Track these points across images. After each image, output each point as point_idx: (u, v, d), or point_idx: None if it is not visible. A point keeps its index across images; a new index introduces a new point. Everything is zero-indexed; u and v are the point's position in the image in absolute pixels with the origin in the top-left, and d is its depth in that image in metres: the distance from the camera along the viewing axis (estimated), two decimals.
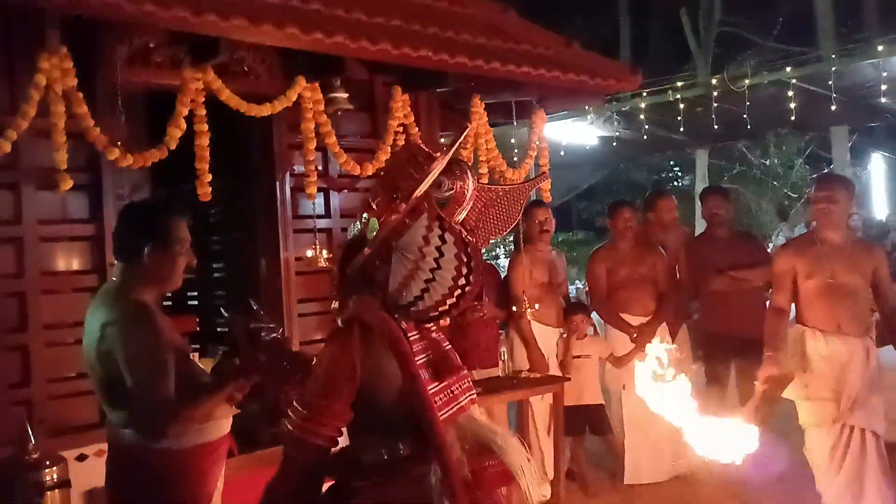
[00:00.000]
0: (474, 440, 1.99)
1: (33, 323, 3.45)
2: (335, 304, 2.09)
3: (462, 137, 2.10)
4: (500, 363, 4.92)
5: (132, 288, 2.33)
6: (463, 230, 1.99)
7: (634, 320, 4.88)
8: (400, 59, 3.95)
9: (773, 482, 4.06)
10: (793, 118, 9.63)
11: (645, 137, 10.92)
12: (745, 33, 16.30)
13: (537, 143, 5.08)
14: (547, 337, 4.89)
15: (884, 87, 8.92)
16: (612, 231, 5.13)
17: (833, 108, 9.16)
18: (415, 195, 1.94)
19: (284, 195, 4.34)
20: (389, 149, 4.33)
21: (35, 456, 2.85)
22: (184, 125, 3.56)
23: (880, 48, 8.84)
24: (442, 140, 5.17)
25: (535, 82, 4.66)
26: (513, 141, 7.39)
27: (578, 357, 4.85)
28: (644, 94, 10.15)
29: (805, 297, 3.73)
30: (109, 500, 2.43)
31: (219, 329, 5.30)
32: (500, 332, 5.09)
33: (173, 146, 3.54)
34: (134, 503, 2.34)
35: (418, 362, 1.94)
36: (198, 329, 4.45)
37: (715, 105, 9.72)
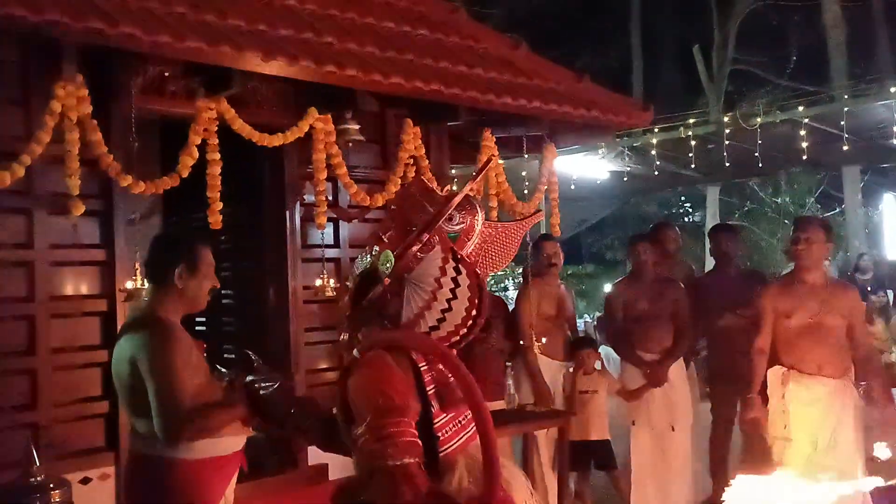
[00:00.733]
0: (482, 470, 1.98)
1: (42, 346, 3.47)
2: (344, 336, 2.11)
3: (483, 171, 2.16)
4: (506, 396, 4.89)
5: (161, 307, 2.58)
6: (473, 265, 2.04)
7: (648, 357, 4.82)
8: (412, 93, 4.00)
9: None
10: (805, 157, 9.63)
11: (656, 173, 10.94)
12: (758, 71, 16.39)
13: (547, 177, 5.11)
14: (553, 371, 4.87)
15: None
16: (631, 265, 5.10)
17: (845, 147, 9.16)
18: (432, 229, 1.98)
19: (294, 224, 4.37)
20: (399, 180, 4.36)
21: (39, 479, 2.85)
22: (196, 154, 3.60)
23: (893, 89, 8.86)
24: (453, 171, 5.20)
25: (546, 117, 4.70)
26: (523, 174, 7.42)
27: (585, 392, 4.81)
28: (656, 129, 10.19)
29: (785, 338, 3.81)
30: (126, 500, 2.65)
31: (226, 355, 5.31)
32: (507, 364, 5.07)
33: (185, 174, 3.58)
34: None
35: (429, 392, 1.94)
36: (205, 354, 4.45)
37: (727, 142, 9.74)
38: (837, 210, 14.87)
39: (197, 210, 3.94)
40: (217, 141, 3.68)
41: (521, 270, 8.27)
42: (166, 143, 4.49)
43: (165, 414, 2.44)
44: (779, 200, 14.82)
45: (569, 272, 14.37)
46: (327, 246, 4.39)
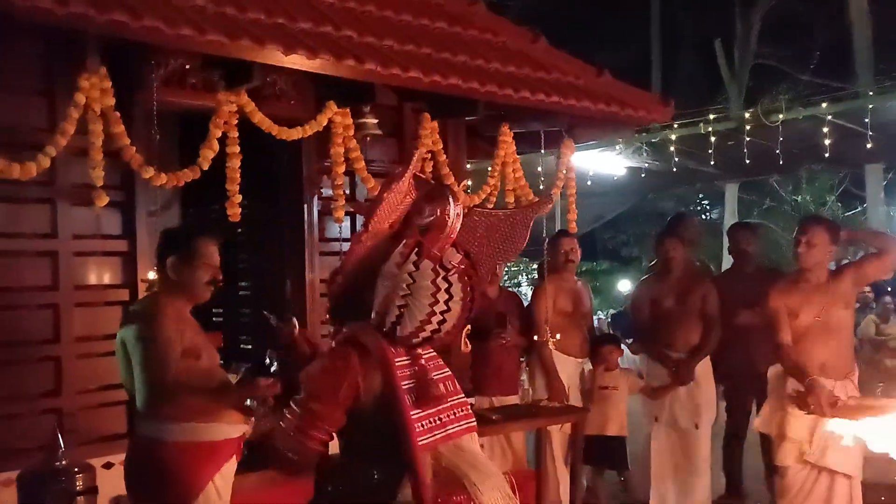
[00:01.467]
0: (448, 471, 1.99)
1: (66, 335, 3.53)
2: (330, 329, 2.20)
3: (414, 161, 2.17)
4: (521, 391, 4.90)
5: (161, 294, 2.73)
6: (450, 259, 2.01)
7: (675, 355, 4.76)
8: (430, 87, 4.00)
9: None
10: (827, 154, 9.52)
11: (674, 169, 10.86)
12: (781, 66, 16.18)
13: (565, 172, 5.10)
14: (569, 367, 4.86)
15: None
16: (659, 261, 5.05)
17: (868, 145, 9.04)
18: (371, 221, 2.04)
19: (312, 218, 4.40)
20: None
21: (64, 463, 2.94)
22: (217, 147, 3.63)
23: None
24: (468, 167, 5.21)
25: (564, 112, 4.68)
26: (539, 169, 7.40)
27: (605, 388, 4.81)
28: (675, 125, 10.10)
29: (791, 337, 3.77)
30: (126, 480, 2.73)
31: (242, 346, 5.37)
32: (522, 360, 5.08)
33: (206, 167, 3.61)
34: (137, 485, 2.66)
35: (403, 387, 1.98)
36: (222, 345, 4.51)
37: (747, 139, 9.65)
38: (859, 209, 14.69)
39: (214, 202, 3.98)
40: (237, 134, 3.71)
41: (536, 266, 8.25)
42: (185, 136, 4.54)
43: (144, 385, 2.57)
44: (799, 198, 14.66)
45: (583, 269, 14.33)
46: (345, 239, 4.41)
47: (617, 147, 10.61)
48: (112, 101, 3.34)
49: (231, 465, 2.68)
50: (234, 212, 3.76)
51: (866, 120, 8.75)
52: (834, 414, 3.44)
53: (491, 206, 4.83)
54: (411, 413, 1.96)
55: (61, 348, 3.51)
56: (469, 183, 5.13)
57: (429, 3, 4.81)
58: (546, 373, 4.76)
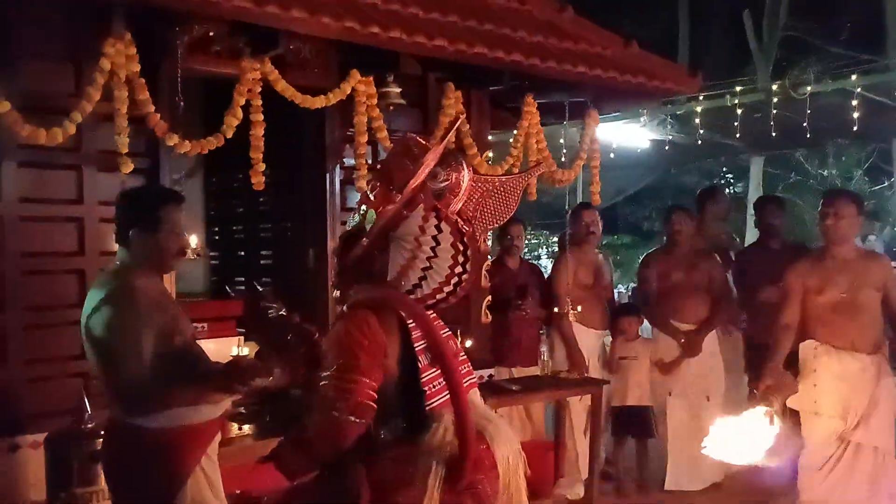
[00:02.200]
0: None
1: None
2: (336, 294, 2.19)
3: (454, 128, 2.17)
4: (540, 362, 4.91)
5: (126, 270, 2.44)
6: (459, 220, 2.05)
7: (684, 327, 4.80)
8: (455, 56, 3.97)
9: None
10: (855, 128, 9.34)
11: (699, 142, 10.71)
12: (810, 38, 15.83)
13: (589, 144, 5.05)
14: (589, 339, 4.87)
15: None
16: (667, 235, 5.06)
17: None
18: (410, 186, 1.99)
19: (334, 187, 4.40)
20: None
21: (91, 425, 2.97)
22: (240, 114, 3.63)
23: None
24: (490, 137, 5.17)
25: (590, 83, 4.62)
26: (562, 141, 7.34)
27: (625, 358, 4.81)
28: (700, 97, 9.94)
29: (816, 314, 3.76)
30: (103, 468, 2.59)
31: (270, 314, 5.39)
32: (542, 332, 5.08)
33: (230, 135, 3.61)
34: (117, 473, 2.48)
35: (417, 348, 1.99)
36: (242, 314, 4.54)
37: (774, 112, 9.48)
38: (886, 184, 14.44)
39: (237, 170, 3.99)
40: (260, 102, 3.70)
41: (556, 239, 8.22)
42: (208, 104, 4.53)
43: (119, 380, 2.34)
44: (825, 173, 14.44)
45: (604, 242, 14.26)
46: None
47: (641, 119, 10.47)
48: (137, 68, 3.33)
49: (215, 444, 2.54)
50: (258, 180, 3.77)
51: None
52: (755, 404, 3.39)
53: None
54: (427, 373, 1.98)
55: None
56: (491, 154, 5.10)
57: None
58: (566, 345, 4.77)
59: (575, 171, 5.05)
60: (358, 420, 1.91)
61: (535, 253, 13.78)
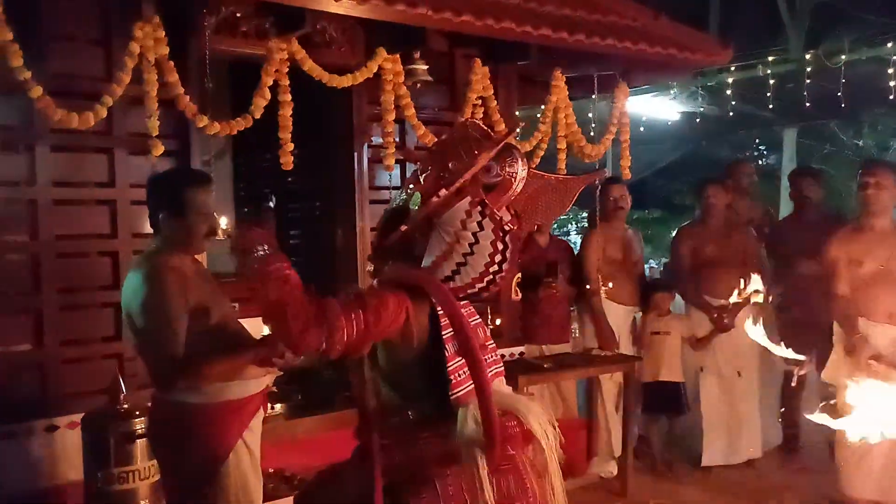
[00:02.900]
0: (497, 407, 2.02)
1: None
2: (370, 268, 2.20)
3: (516, 130, 2.12)
4: (572, 340, 4.89)
5: (159, 252, 2.52)
6: (505, 216, 2.02)
7: (717, 302, 4.74)
8: (482, 31, 3.92)
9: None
10: (892, 97, 9.11)
11: (731, 114, 10.53)
12: (844, 6, 15.40)
13: (618, 118, 4.98)
14: (619, 315, 4.84)
15: None
16: (700, 209, 4.99)
17: None
18: (461, 180, 1.98)
19: (362, 166, 4.39)
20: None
21: (126, 406, 3.02)
22: (268, 95, 3.63)
23: None
24: (517, 114, 5.12)
25: (620, 55, 4.55)
26: (590, 115, 7.25)
27: (657, 333, 4.78)
28: (732, 68, 9.75)
29: (854, 285, 3.70)
30: (149, 442, 2.73)
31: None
32: (572, 308, 5.06)
33: (258, 115, 3.62)
34: (163, 448, 2.58)
35: (445, 336, 1.98)
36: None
37: (808, 82, 9.27)
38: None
39: (266, 151, 3.99)
40: (288, 82, 3.70)
41: (585, 214, 8.13)
42: (236, 85, 4.53)
43: (156, 363, 2.44)
44: (860, 143, 14.11)
45: (634, 216, 14.12)
46: (395, 187, 4.40)
47: (671, 92, 10.32)
48: (166, 51, 3.34)
49: (258, 419, 2.62)
50: (287, 160, 3.77)
51: None
52: (870, 375, 3.34)
53: (542, 152, 4.76)
54: (453, 361, 1.98)
55: (120, 294, 3.59)
56: (519, 130, 5.05)
57: None
58: (596, 321, 4.74)
59: (604, 146, 4.99)
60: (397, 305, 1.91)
61: (565, 228, 13.69)
